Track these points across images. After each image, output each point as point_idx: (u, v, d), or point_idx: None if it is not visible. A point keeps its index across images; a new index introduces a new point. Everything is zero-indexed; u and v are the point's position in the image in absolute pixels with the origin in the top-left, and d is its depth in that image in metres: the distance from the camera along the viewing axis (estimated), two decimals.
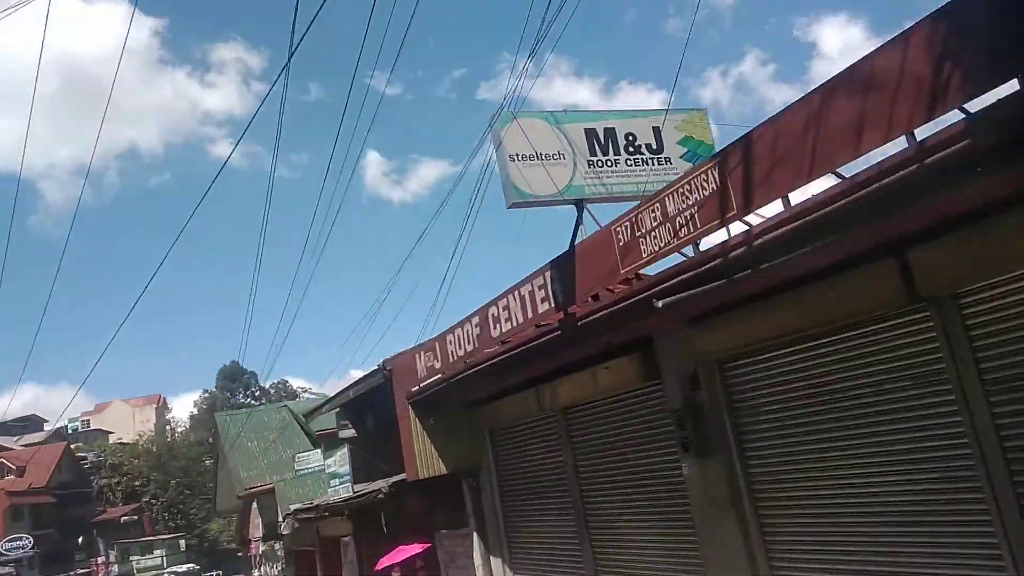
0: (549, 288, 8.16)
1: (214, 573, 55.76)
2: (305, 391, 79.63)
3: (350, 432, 18.20)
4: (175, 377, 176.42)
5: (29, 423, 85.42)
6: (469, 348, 10.01)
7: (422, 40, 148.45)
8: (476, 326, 9.81)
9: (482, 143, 12.41)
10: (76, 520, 60.88)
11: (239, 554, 47.93)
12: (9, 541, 46.75)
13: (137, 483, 72.89)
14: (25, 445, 67.35)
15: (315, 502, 19.17)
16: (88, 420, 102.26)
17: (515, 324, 8.89)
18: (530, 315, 8.57)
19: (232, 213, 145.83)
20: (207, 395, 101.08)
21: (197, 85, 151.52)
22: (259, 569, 31.40)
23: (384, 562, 13.82)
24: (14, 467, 59.64)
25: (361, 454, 17.00)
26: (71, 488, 63.27)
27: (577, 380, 9.27)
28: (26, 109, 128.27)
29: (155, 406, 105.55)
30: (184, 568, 58.80)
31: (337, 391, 17.83)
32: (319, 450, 20.12)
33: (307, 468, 20.53)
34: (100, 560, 60.31)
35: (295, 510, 20.08)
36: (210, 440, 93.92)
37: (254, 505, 26.28)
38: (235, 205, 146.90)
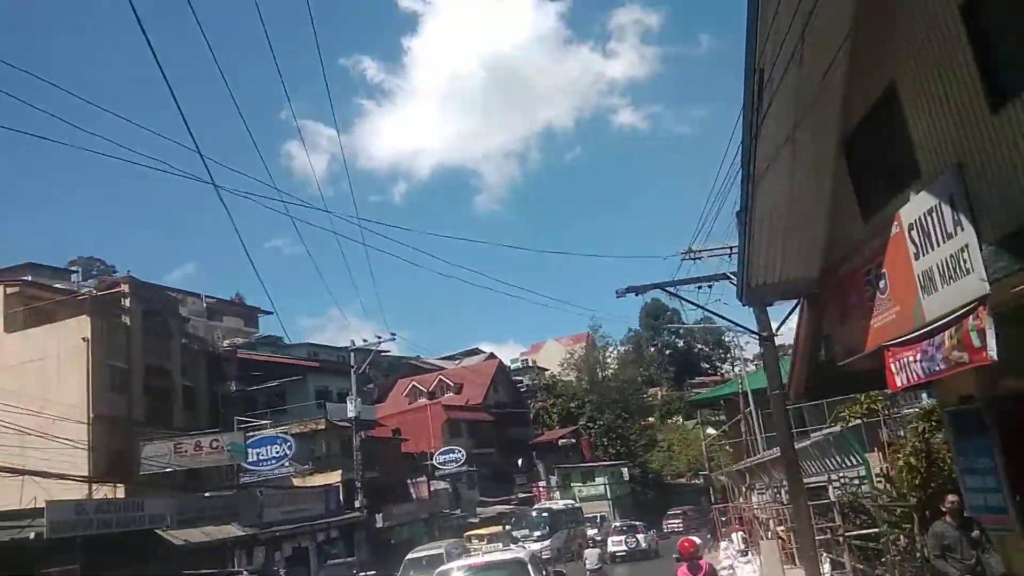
0: None
1: None
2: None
3: None
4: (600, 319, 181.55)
5: (472, 352, 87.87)
6: None
7: None
8: None
9: None
10: (514, 441, 56.24)
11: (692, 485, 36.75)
12: (443, 453, 41.95)
13: (572, 404, 67.08)
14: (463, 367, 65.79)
15: None
16: (526, 360, 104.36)
17: None
18: None
19: (636, 172, 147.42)
20: (632, 334, 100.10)
21: (600, 56, 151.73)
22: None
23: None
24: (452, 383, 57.19)
25: None
26: (507, 408, 59.15)
27: None
28: (462, 108, 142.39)
29: (584, 344, 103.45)
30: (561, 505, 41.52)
31: None
32: None
33: None
34: (541, 485, 54.64)
35: None
36: (642, 370, 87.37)
37: None
38: (639, 165, 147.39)
